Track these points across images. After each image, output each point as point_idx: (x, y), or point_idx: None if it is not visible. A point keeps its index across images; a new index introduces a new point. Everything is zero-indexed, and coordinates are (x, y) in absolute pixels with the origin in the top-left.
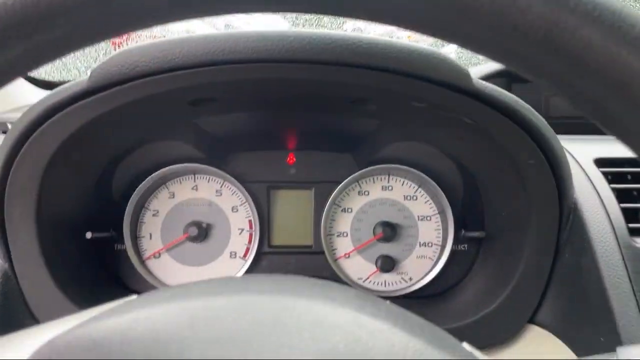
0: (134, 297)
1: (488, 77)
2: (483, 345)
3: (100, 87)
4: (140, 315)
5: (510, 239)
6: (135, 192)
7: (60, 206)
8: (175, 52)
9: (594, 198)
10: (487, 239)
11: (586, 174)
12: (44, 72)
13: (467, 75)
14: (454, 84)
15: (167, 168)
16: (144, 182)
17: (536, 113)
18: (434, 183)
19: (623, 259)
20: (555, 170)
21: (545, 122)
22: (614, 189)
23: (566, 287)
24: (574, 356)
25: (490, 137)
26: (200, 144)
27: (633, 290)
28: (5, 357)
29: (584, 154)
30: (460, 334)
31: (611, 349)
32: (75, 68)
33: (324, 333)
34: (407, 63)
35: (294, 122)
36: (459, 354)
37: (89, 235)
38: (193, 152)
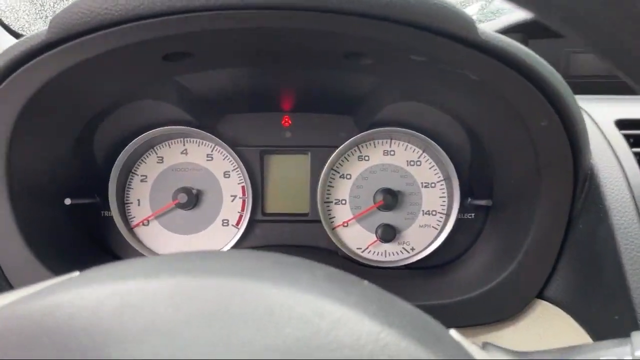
0: (75, 274)
1: (503, 32)
2: (488, 320)
3: (60, 39)
4: (63, 299)
5: (519, 208)
6: (121, 155)
7: (35, 170)
8: None
9: (613, 163)
10: (494, 208)
11: (605, 137)
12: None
13: (471, 25)
14: (456, 34)
15: (153, 130)
16: (129, 145)
17: (551, 68)
18: (439, 147)
19: None
20: (570, 133)
21: (561, 79)
22: (636, 153)
23: (579, 261)
24: (584, 333)
25: (498, 96)
26: (186, 104)
27: None
28: None
29: (604, 115)
30: (464, 309)
31: (626, 327)
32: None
33: (275, 324)
34: (404, 10)
35: (288, 82)
36: (442, 347)
37: (67, 201)
38: (180, 114)
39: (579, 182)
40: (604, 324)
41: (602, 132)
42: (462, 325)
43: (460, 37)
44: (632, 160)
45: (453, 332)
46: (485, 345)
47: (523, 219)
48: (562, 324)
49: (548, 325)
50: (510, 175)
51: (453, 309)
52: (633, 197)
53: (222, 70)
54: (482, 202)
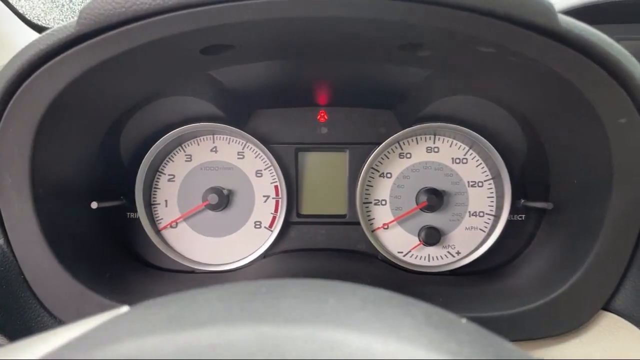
0: (124, 309)
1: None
2: (549, 334)
3: (90, 32)
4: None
5: (584, 212)
6: (148, 154)
7: (60, 172)
8: None
9: None
10: (552, 211)
11: None
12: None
13: (551, 11)
14: (535, 22)
15: (182, 128)
16: (157, 143)
17: (634, 60)
18: (487, 143)
19: None
20: None
21: None
22: None
23: None
24: None
25: (570, 89)
26: (217, 100)
27: None
28: None
29: None
30: (523, 321)
31: None
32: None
33: None
34: None
35: (325, 74)
36: None
37: (94, 205)
38: (210, 109)
39: None
40: None
41: None
42: (521, 338)
43: (539, 25)
44: None
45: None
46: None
47: (589, 223)
48: (632, 339)
49: (615, 339)
50: (573, 175)
51: (508, 322)
52: None
53: (260, 63)
54: (542, 205)
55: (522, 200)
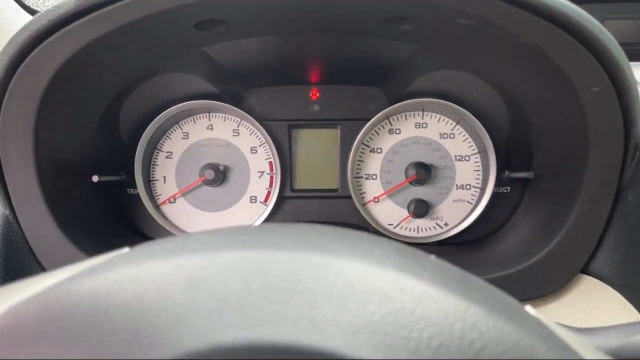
0: (125, 250)
1: None
2: (531, 296)
3: (88, 7)
4: (124, 275)
5: (562, 180)
6: (146, 131)
7: (62, 146)
8: None
9: None
10: (534, 180)
11: None
12: None
13: None
14: None
15: (178, 105)
16: (154, 121)
17: (606, 31)
18: (474, 118)
19: None
20: (623, 100)
21: (616, 42)
22: None
23: (628, 234)
24: (632, 309)
25: (546, 60)
26: (212, 76)
27: None
28: None
29: None
30: (506, 284)
31: None
32: None
33: (357, 300)
34: None
35: (316, 51)
36: (528, 323)
37: (95, 178)
38: (206, 86)
39: (629, 150)
40: None
41: None
42: None
43: None
44: None
45: (529, 308)
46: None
47: (568, 191)
48: (609, 300)
49: (593, 301)
50: (553, 145)
51: (495, 285)
52: None
53: (252, 39)
54: (524, 175)
55: (507, 172)
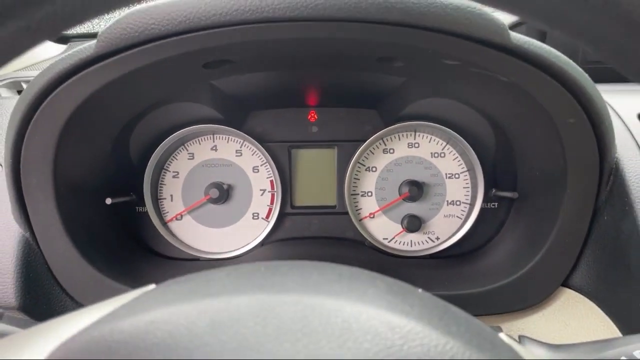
0: (151, 287)
1: (520, 23)
2: (515, 308)
3: (108, 52)
4: (158, 316)
5: (544, 200)
6: (154, 153)
7: (78, 172)
8: (187, 12)
9: (637, 156)
10: (519, 199)
11: (629, 130)
12: None
13: (504, 30)
14: (490, 39)
15: (185, 129)
16: (162, 144)
17: (579, 69)
18: (462, 139)
19: None
20: (597, 130)
21: (589, 79)
22: None
23: (604, 251)
24: (608, 321)
25: (526, 95)
26: (217, 104)
27: None
28: (22, 357)
29: (627, 108)
30: (492, 297)
31: None
32: None
33: (354, 340)
34: (438, 18)
35: (314, 79)
36: (498, 351)
37: (108, 201)
38: (211, 112)
39: (604, 175)
40: (629, 312)
41: (626, 126)
42: (490, 313)
43: (493, 42)
44: None
45: (503, 336)
46: (522, 338)
47: (549, 210)
48: (587, 312)
49: (574, 312)
50: (535, 168)
51: (481, 298)
52: None
53: (256, 73)
54: (508, 194)
55: (494, 190)
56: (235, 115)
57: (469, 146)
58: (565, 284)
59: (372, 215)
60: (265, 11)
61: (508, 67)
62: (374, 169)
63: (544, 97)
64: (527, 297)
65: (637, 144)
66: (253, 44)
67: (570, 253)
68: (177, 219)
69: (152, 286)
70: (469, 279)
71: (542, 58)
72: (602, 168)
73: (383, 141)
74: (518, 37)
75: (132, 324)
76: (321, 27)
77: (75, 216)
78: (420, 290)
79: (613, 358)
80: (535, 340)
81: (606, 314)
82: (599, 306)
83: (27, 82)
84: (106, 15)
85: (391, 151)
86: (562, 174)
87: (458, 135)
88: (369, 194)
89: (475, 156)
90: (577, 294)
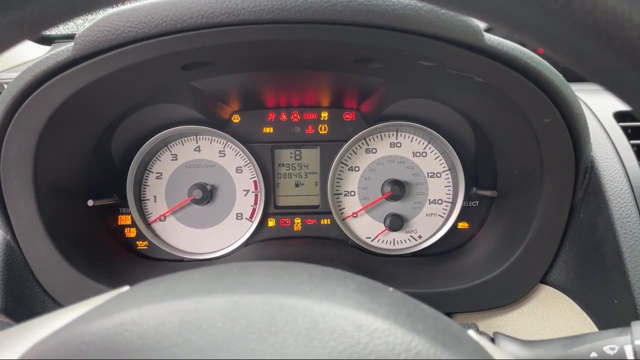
0: (125, 288)
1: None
2: (495, 305)
3: (85, 55)
4: (127, 318)
5: (522, 198)
6: (137, 155)
7: (59, 174)
8: (163, 15)
9: (612, 155)
10: (499, 197)
11: (604, 129)
12: None
13: (478, 32)
14: (464, 41)
15: (167, 130)
16: (145, 145)
17: (553, 69)
18: (443, 139)
19: None
20: (572, 129)
21: (563, 79)
22: (634, 145)
23: (581, 248)
24: (585, 317)
25: (502, 95)
26: (199, 106)
27: None
28: None
29: (602, 107)
30: (472, 295)
31: (625, 311)
32: None
33: (320, 339)
34: (414, 20)
35: (296, 80)
36: (464, 349)
37: (90, 203)
38: (193, 113)
39: (579, 174)
40: (605, 307)
41: (602, 125)
42: (470, 310)
43: (468, 43)
44: (630, 152)
45: (471, 332)
46: (496, 335)
47: (527, 208)
48: (565, 308)
49: (552, 309)
50: (513, 167)
51: (461, 295)
52: (631, 188)
53: (236, 74)
54: (487, 193)
55: (474, 189)
56: (218, 116)
57: (449, 146)
58: (544, 281)
59: (355, 215)
60: (241, 14)
61: (483, 68)
62: (356, 169)
63: (519, 97)
64: (507, 294)
65: (612, 143)
66: (230, 46)
67: (548, 250)
68: (160, 220)
69: (126, 288)
70: (451, 277)
71: (516, 59)
72: (577, 166)
73: (366, 141)
74: (492, 39)
75: (101, 326)
76: (296, 29)
77: (56, 218)
78: (391, 289)
79: (583, 353)
80: (508, 337)
81: (583, 310)
82: (577, 302)
83: (7, 84)
84: (87, 15)
85: (374, 151)
86: (539, 173)
87: (439, 135)
88: (352, 193)
89: (456, 155)
90: (555, 290)
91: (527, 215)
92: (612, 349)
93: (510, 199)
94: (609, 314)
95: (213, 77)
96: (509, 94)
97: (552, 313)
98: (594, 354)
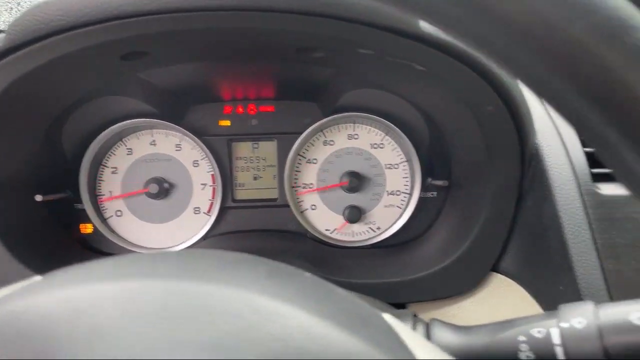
0: (37, 278)
1: None
2: (447, 294)
3: (16, 45)
4: (20, 306)
5: (473, 187)
6: (90, 149)
7: (3, 169)
8: (94, 3)
9: (557, 142)
10: (453, 187)
11: (549, 115)
12: None
13: (412, 18)
14: (399, 28)
15: (120, 124)
16: (97, 138)
17: None
18: (399, 131)
19: (584, 206)
20: (515, 117)
21: None
22: None
23: (529, 236)
24: (535, 304)
25: (446, 84)
26: (150, 98)
27: (593, 239)
28: None
29: None
30: (424, 284)
31: (570, 297)
32: None
33: (212, 322)
34: (347, 7)
35: (249, 72)
36: (370, 331)
37: (39, 198)
38: (145, 107)
39: (525, 161)
40: (552, 294)
41: (547, 111)
42: (425, 299)
43: (403, 30)
44: (575, 138)
45: (387, 316)
46: (432, 321)
47: (478, 197)
48: (516, 296)
49: (503, 297)
50: (464, 157)
51: (415, 285)
52: (575, 174)
53: (183, 64)
54: (439, 183)
55: (429, 179)
56: (172, 109)
57: (405, 137)
58: (496, 269)
59: (313, 207)
60: (173, 1)
61: (420, 56)
62: (314, 161)
63: (459, 85)
64: (459, 283)
65: (557, 129)
66: (164, 35)
67: (497, 239)
68: (117, 215)
69: (37, 277)
70: (406, 267)
71: (453, 46)
72: (523, 154)
73: (323, 133)
74: (428, 25)
75: None
76: (227, 17)
77: (4, 215)
78: (307, 274)
79: (511, 338)
80: (445, 323)
81: (533, 297)
82: (527, 290)
83: None
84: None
85: (331, 143)
86: (487, 162)
87: (394, 126)
88: (310, 185)
89: (411, 147)
90: (507, 278)
91: (478, 205)
92: (540, 332)
93: (463, 188)
94: (556, 300)
95: (159, 68)
96: (450, 82)
97: (504, 302)
98: (522, 338)
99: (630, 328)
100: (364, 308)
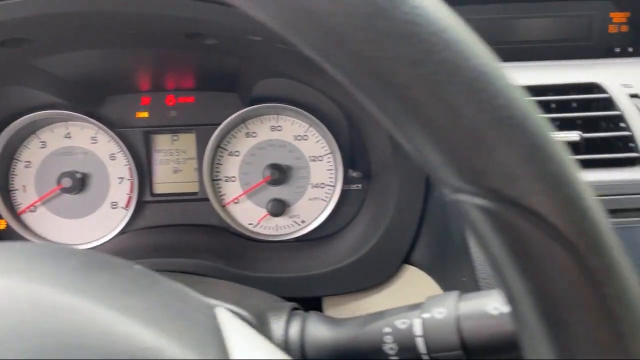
0: None
1: None
2: (361, 287)
3: None
4: None
5: (385, 180)
6: None
7: None
8: None
9: None
10: (372, 179)
11: None
12: None
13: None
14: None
15: (27, 116)
16: (5, 131)
17: None
18: (319, 122)
19: None
20: None
21: None
22: None
23: (436, 227)
24: None
25: None
26: (54, 89)
27: None
28: None
29: None
30: (338, 277)
31: (470, 288)
32: None
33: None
34: None
35: (167, 61)
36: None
37: None
38: (52, 98)
39: None
40: (457, 286)
41: None
42: (339, 292)
43: None
44: None
45: (222, 312)
46: (310, 313)
47: (390, 189)
48: (427, 288)
49: (415, 289)
50: (377, 149)
51: (329, 278)
52: None
53: (77, 52)
54: (355, 174)
55: (350, 171)
56: (85, 100)
57: (326, 129)
58: (409, 261)
59: (236, 201)
60: None
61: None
62: (236, 153)
63: None
64: (372, 275)
65: None
66: (38, 18)
67: (408, 230)
68: (30, 211)
69: None
70: (324, 261)
71: None
72: None
73: (245, 125)
74: None
75: None
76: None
77: None
78: (137, 266)
79: (377, 330)
80: (320, 316)
81: (442, 289)
82: (437, 282)
83: None
84: None
85: (254, 134)
86: (391, 152)
87: (315, 118)
88: (233, 179)
89: (332, 139)
90: (419, 270)
91: (390, 197)
92: (404, 323)
93: (379, 181)
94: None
95: (52, 57)
96: None
97: (415, 294)
98: (387, 329)
99: (487, 318)
100: (190, 303)
